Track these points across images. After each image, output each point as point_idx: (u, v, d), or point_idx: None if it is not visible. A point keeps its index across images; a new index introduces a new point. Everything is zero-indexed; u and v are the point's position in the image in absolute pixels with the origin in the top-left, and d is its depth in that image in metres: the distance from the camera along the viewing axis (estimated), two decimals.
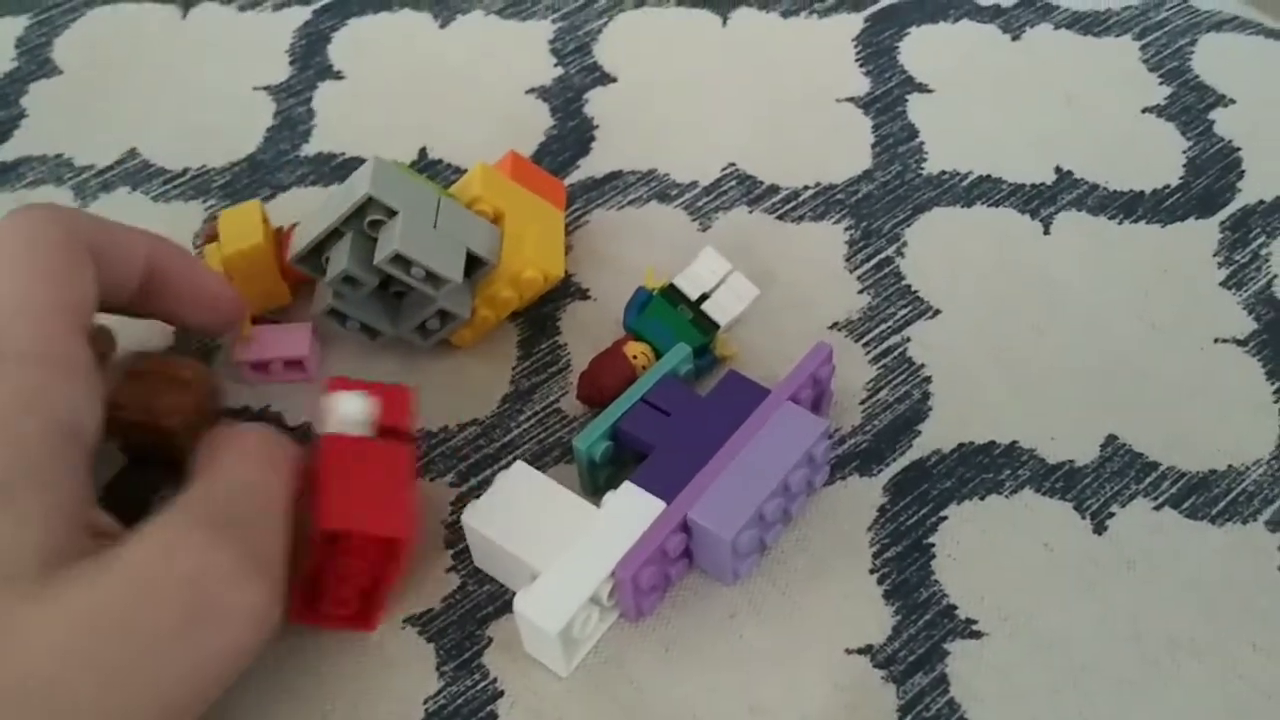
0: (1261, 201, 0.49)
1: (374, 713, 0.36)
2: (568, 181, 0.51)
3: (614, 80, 0.56)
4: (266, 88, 0.56)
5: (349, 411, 0.37)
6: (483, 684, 0.37)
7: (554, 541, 0.37)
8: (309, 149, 0.53)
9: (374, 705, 0.37)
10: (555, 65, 0.57)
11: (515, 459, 0.42)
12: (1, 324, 0.33)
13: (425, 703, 0.37)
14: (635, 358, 0.42)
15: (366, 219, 0.41)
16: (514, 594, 0.37)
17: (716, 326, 0.44)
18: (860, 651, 0.37)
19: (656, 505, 0.38)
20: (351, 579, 0.36)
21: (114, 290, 0.38)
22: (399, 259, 0.40)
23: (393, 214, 0.41)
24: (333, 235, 0.42)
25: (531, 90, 0.56)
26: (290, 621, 0.36)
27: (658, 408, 0.40)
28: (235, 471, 0.34)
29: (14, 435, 0.31)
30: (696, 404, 0.40)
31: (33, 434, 0.31)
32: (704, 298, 0.45)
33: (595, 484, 0.40)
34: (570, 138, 0.53)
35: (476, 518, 0.38)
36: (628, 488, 0.38)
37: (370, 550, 0.35)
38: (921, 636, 0.37)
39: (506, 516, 0.38)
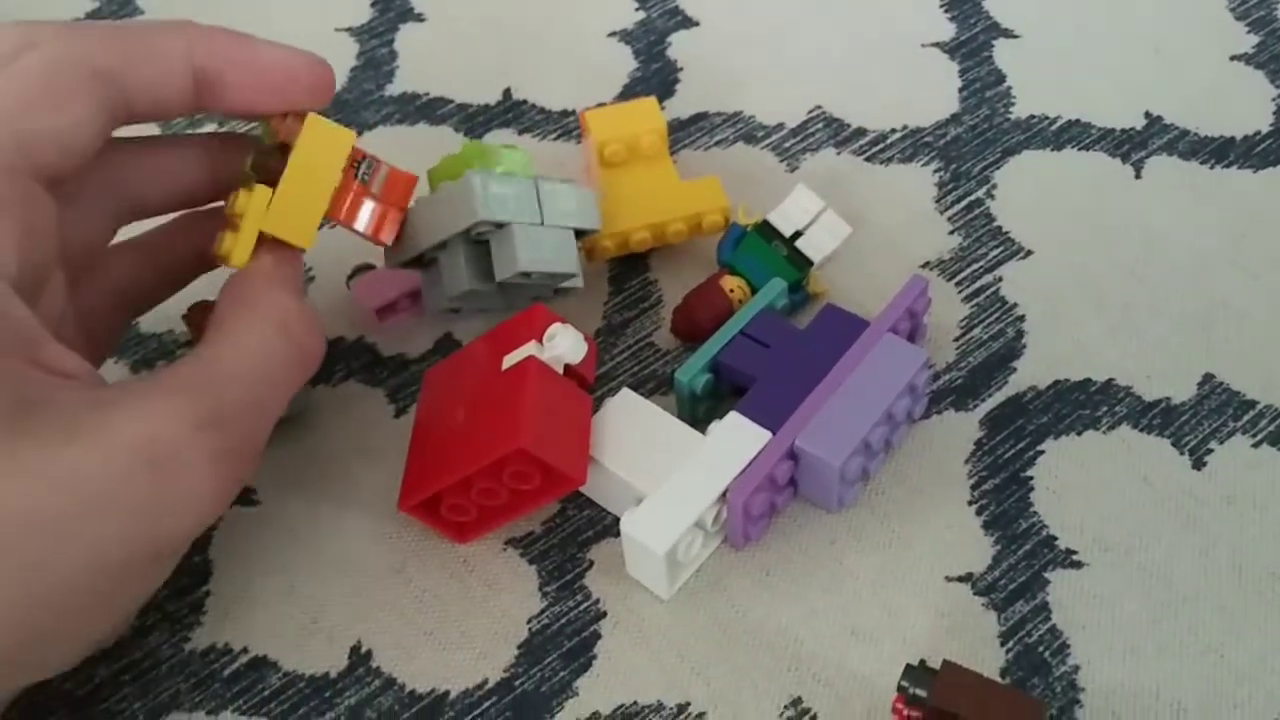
0: None
1: (477, 629, 0.37)
2: None
3: (696, 24, 0.56)
4: (349, 29, 0.57)
5: (568, 348, 0.37)
6: (585, 604, 0.37)
7: (660, 466, 0.37)
8: (393, 89, 0.54)
9: (477, 622, 0.37)
10: (637, 9, 0.57)
11: (613, 390, 0.42)
12: None
13: (529, 622, 0.37)
14: (731, 291, 0.43)
15: (474, 232, 0.40)
16: (614, 520, 0.37)
17: (810, 263, 0.44)
18: (960, 579, 0.37)
19: (763, 434, 0.38)
20: (495, 494, 0.36)
21: (160, 102, 0.34)
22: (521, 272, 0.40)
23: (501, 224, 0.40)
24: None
25: (614, 34, 0.56)
26: (399, 508, 0.37)
27: (757, 340, 0.40)
28: (248, 351, 0.33)
29: None
30: (796, 336, 0.41)
31: None
32: (797, 235, 0.45)
33: (695, 416, 0.41)
34: (654, 80, 0.53)
35: None
36: (734, 417, 0.38)
37: (540, 480, 0.36)
38: (1022, 565, 0.38)
39: (614, 440, 0.38)
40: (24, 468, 0.28)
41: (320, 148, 0.37)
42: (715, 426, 0.38)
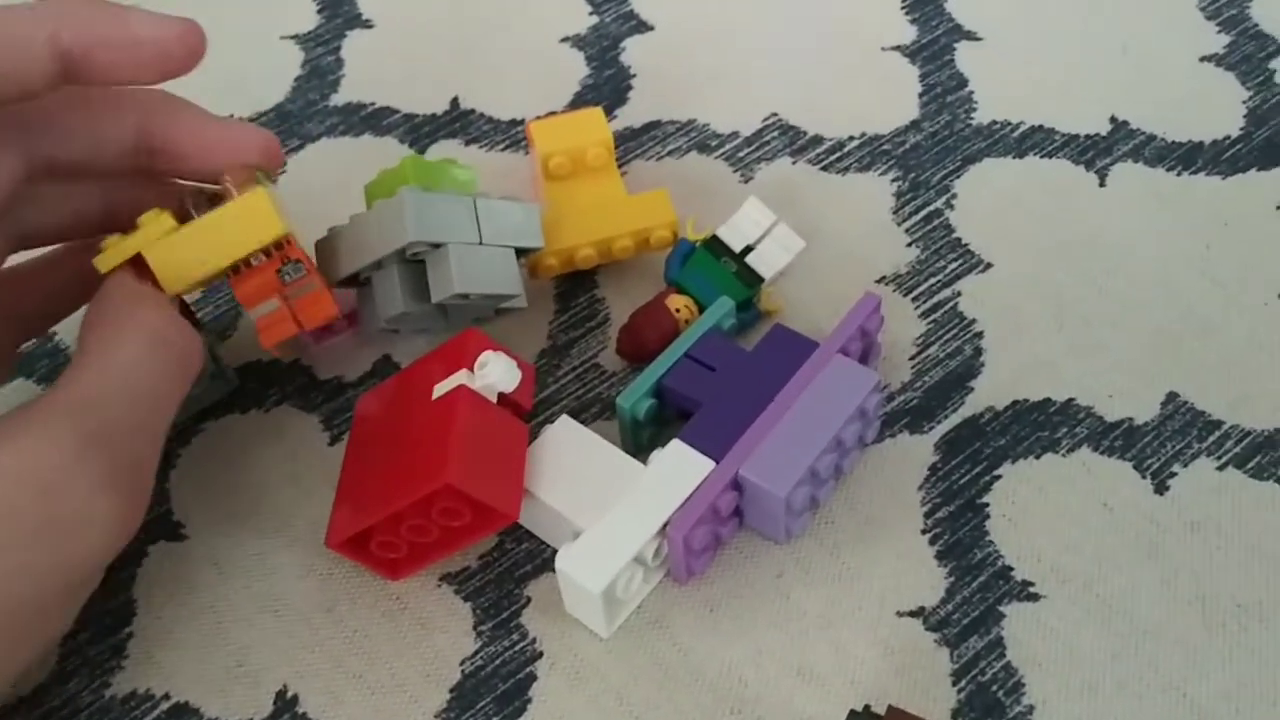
0: None
1: (409, 672, 0.35)
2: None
3: (651, 28, 0.54)
4: (295, 36, 0.55)
5: (499, 377, 0.36)
6: (521, 644, 0.36)
7: (598, 499, 0.36)
8: (338, 98, 0.52)
9: (409, 664, 0.35)
10: (591, 13, 0.55)
11: (554, 415, 0.41)
12: None
13: (462, 664, 0.35)
14: (678, 311, 0.41)
15: (408, 252, 0.39)
16: (554, 552, 0.35)
17: (761, 280, 0.43)
18: (912, 614, 0.36)
19: (706, 463, 0.36)
20: (425, 531, 0.35)
21: (22, 85, 0.33)
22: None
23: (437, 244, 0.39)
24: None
25: (566, 39, 0.54)
26: (326, 544, 0.35)
27: (703, 363, 0.39)
28: (121, 369, 0.32)
29: None
30: (742, 358, 0.39)
31: None
32: (748, 250, 0.43)
33: (638, 443, 0.39)
34: (606, 87, 0.52)
35: None
36: (676, 445, 0.37)
37: (471, 516, 0.34)
38: (976, 599, 0.36)
39: (550, 471, 0.36)
40: None
41: (245, 219, 0.36)
42: (657, 456, 0.37)
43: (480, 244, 0.40)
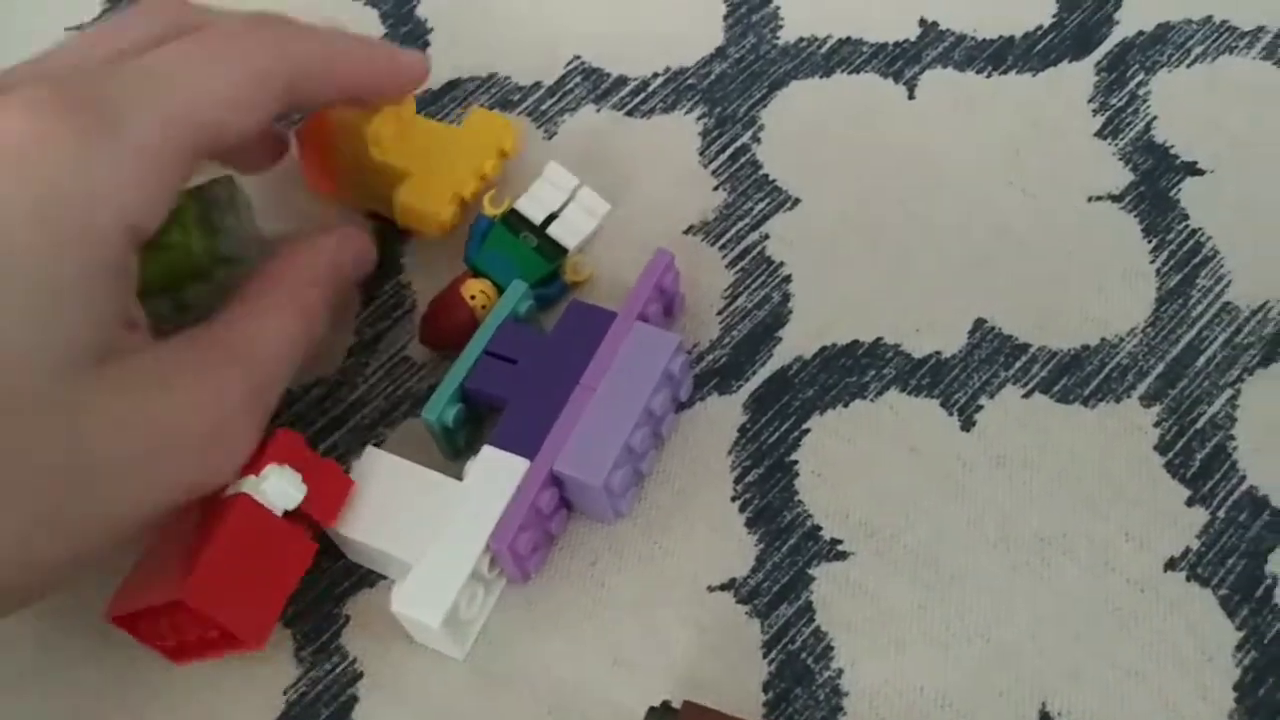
0: (1141, 33, 0.46)
1: (233, 710, 0.36)
2: None
3: None
4: (79, 27, 0.53)
5: (275, 495, 0.34)
6: (342, 666, 0.36)
7: (419, 526, 0.35)
8: None
9: (232, 703, 0.36)
10: None
11: (367, 416, 0.40)
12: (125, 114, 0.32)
13: (285, 693, 0.36)
14: (473, 298, 0.40)
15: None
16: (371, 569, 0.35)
17: (564, 251, 0.42)
18: (723, 587, 0.36)
19: (520, 464, 0.36)
20: (185, 630, 0.34)
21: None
22: None
23: None
24: None
25: None
26: (108, 618, 0.34)
27: (503, 357, 0.38)
28: (283, 338, 0.35)
29: (89, 232, 0.31)
30: (542, 344, 0.38)
31: (103, 231, 0.31)
32: (551, 218, 0.42)
33: (455, 448, 0.39)
34: (403, 45, 0.50)
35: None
36: (487, 452, 0.36)
37: (219, 633, 0.33)
38: (785, 564, 0.36)
39: (364, 508, 0.36)
40: (120, 415, 0.31)
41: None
42: (471, 466, 0.36)
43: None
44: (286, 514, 0.34)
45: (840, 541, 0.37)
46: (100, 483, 0.30)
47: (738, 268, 0.42)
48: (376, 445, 0.39)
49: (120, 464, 0.30)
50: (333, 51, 0.37)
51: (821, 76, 0.46)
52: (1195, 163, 0.43)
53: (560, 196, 0.43)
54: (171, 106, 0.32)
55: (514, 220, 0.42)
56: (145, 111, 0.32)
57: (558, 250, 0.42)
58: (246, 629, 0.32)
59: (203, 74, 0.33)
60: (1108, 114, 0.44)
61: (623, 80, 0.47)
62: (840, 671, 0.34)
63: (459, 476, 0.36)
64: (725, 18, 0.48)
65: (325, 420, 0.41)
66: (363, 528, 0.36)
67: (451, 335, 0.40)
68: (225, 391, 0.33)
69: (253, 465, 0.34)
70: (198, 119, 0.33)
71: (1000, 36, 0.47)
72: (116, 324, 0.32)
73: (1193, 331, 0.39)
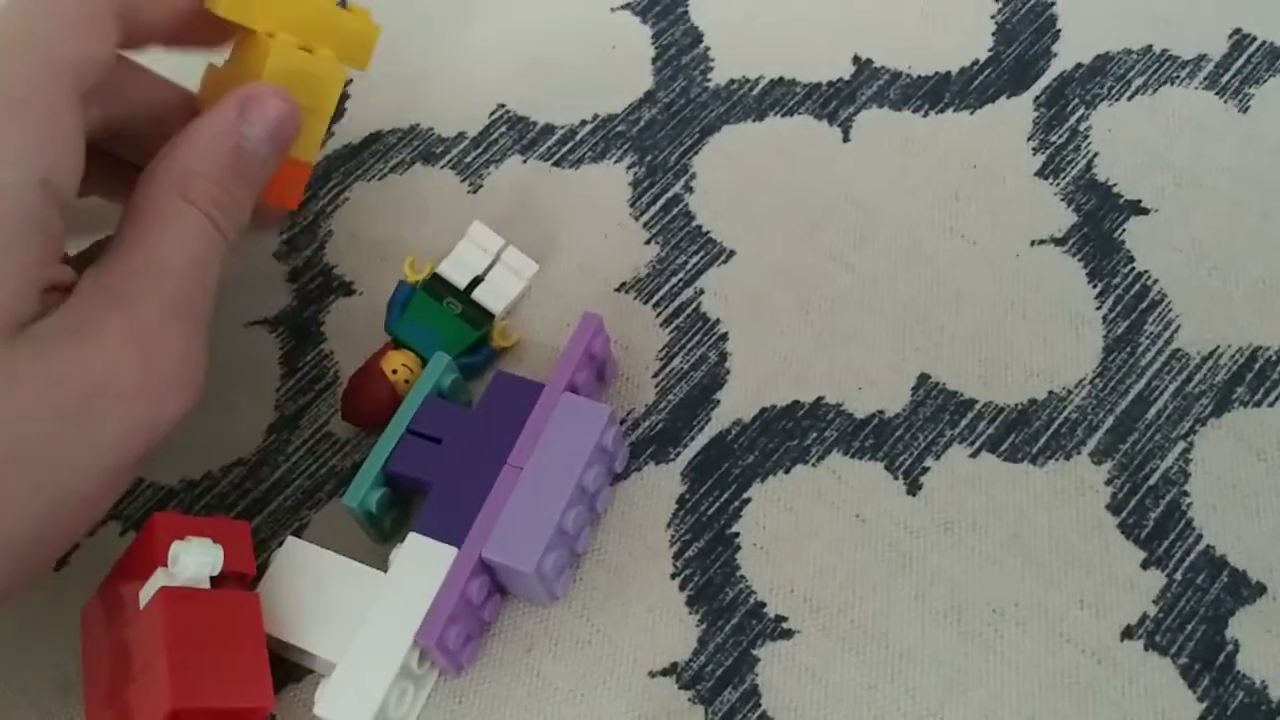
0: (1079, 65, 0.45)
1: None
2: (322, 153, 0.46)
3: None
4: None
5: (196, 567, 0.32)
6: None
7: (343, 622, 0.33)
8: None
9: None
10: None
11: (289, 497, 0.38)
12: None
13: None
14: (395, 372, 0.38)
15: None
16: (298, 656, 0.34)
17: (491, 316, 0.40)
18: (664, 672, 0.35)
19: (448, 552, 0.34)
20: None
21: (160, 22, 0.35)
22: None
23: None
24: None
25: None
26: None
27: (426, 436, 0.36)
28: (189, 244, 0.33)
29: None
30: (467, 421, 0.37)
31: (11, 188, 0.30)
32: (476, 282, 0.41)
33: (381, 532, 0.37)
34: None
35: None
36: (414, 540, 0.35)
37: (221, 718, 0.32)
38: (729, 645, 0.35)
39: (286, 604, 0.34)
40: (35, 370, 0.30)
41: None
42: (396, 555, 0.35)
43: None
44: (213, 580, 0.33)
45: (785, 619, 0.35)
46: (37, 449, 0.29)
47: (672, 326, 0.40)
48: (299, 531, 0.38)
49: (53, 426, 0.30)
50: None
51: (754, 120, 0.45)
52: (1139, 200, 0.41)
53: (485, 259, 0.41)
54: (32, 52, 0.32)
55: (437, 286, 0.40)
56: (12, 64, 0.31)
57: (484, 316, 0.40)
58: (248, 697, 0.32)
59: (45, 12, 0.32)
60: (1048, 152, 0.43)
61: (549, 129, 0.45)
62: None
63: (386, 562, 0.35)
64: (654, 60, 0.47)
65: (245, 503, 0.39)
66: (283, 625, 0.34)
67: (373, 413, 0.38)
68: (143, 319, 0.31)
69: (149, 561, 0.33)
70: (62, 57, 0.32)
71: (936, 73, 0.45)
72: (36, 291, 0.31)
73: (1142, 381, 0.38)
